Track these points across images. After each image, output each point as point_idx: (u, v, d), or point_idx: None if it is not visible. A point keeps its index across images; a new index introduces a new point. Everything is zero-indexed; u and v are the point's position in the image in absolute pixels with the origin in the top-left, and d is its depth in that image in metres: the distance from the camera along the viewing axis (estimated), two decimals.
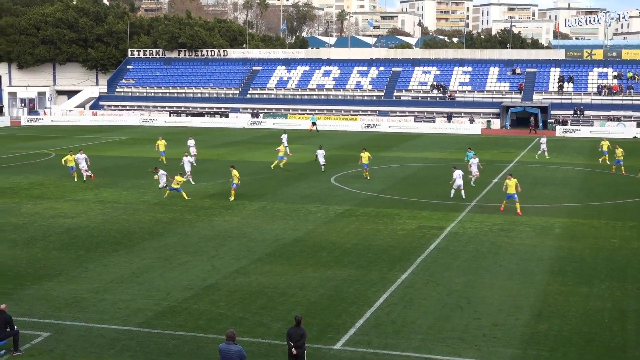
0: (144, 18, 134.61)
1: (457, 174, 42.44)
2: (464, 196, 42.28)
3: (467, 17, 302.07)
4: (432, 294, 25.16)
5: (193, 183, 46.90)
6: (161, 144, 57.96)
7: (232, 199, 41.96)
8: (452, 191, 42.67)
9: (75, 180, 48.08)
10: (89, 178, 48.32)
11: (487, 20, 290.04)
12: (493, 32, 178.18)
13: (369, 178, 49.51)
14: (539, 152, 63.03)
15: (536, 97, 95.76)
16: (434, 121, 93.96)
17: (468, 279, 26.97)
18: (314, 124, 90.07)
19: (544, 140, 64.34)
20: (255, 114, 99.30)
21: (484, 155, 64.42)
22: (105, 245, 31.84)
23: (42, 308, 23.57)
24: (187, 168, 47.98)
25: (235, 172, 42.51)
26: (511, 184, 38.29)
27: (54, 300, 24.29)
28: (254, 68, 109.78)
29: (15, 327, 20.37)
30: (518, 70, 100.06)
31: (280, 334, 20.94)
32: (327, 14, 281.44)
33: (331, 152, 65.10)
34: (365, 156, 50.02)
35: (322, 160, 53.55)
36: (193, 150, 57.29)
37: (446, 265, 28.88)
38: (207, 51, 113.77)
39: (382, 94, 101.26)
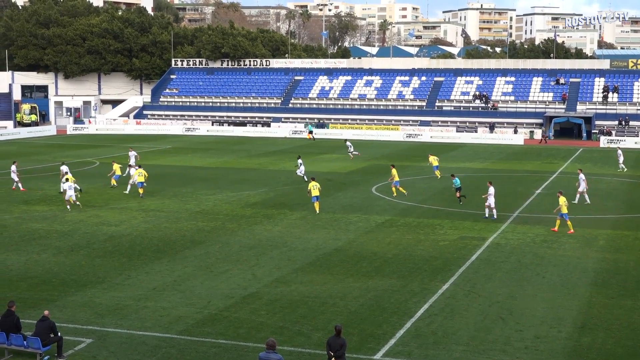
0: (188, 28, 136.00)
1: (491, 190, 39.84)
2: (495, 216, 39.91)
3: (510, 27, 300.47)
4: (473, 305, 25.00)
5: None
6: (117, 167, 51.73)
7: (317, 212, 40.96)
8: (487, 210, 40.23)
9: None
10: (18, 189, 48.26)
11: (531, 30, 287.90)
12: (536, 42, 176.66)
13: (396, 194, 46.98)
14: (620, 165, 60.75)
15: (580, 108, 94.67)
16: (476, 131, 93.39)
17: (510, 290, 26.75)
18: (310, 132, 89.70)
19: (619, 152, 61.84)
20: (321, 125, 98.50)
21: (526, 165, 64.00)
22: (148, 253, 32.15)
23: (85, 315, 23.86)
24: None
25: (314, 182, 41.74)
26: (562, 203, 36.37)
27: (97, 307, 24.58)
28: (296, 78, 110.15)
29: (59, 333, 20.69)
30: (562, 81, 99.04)
31: (321, 343, 20.95)
32: (369, 24, 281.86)
33: (372, 162, 65.14)
34: (395, 172, 47.28)
35: (301, 171, 52.16)
36: (132, 161, 54.91)
37: (488, 276, 28.67)
38: (250, 61, 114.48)
39: (424, 103, 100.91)
